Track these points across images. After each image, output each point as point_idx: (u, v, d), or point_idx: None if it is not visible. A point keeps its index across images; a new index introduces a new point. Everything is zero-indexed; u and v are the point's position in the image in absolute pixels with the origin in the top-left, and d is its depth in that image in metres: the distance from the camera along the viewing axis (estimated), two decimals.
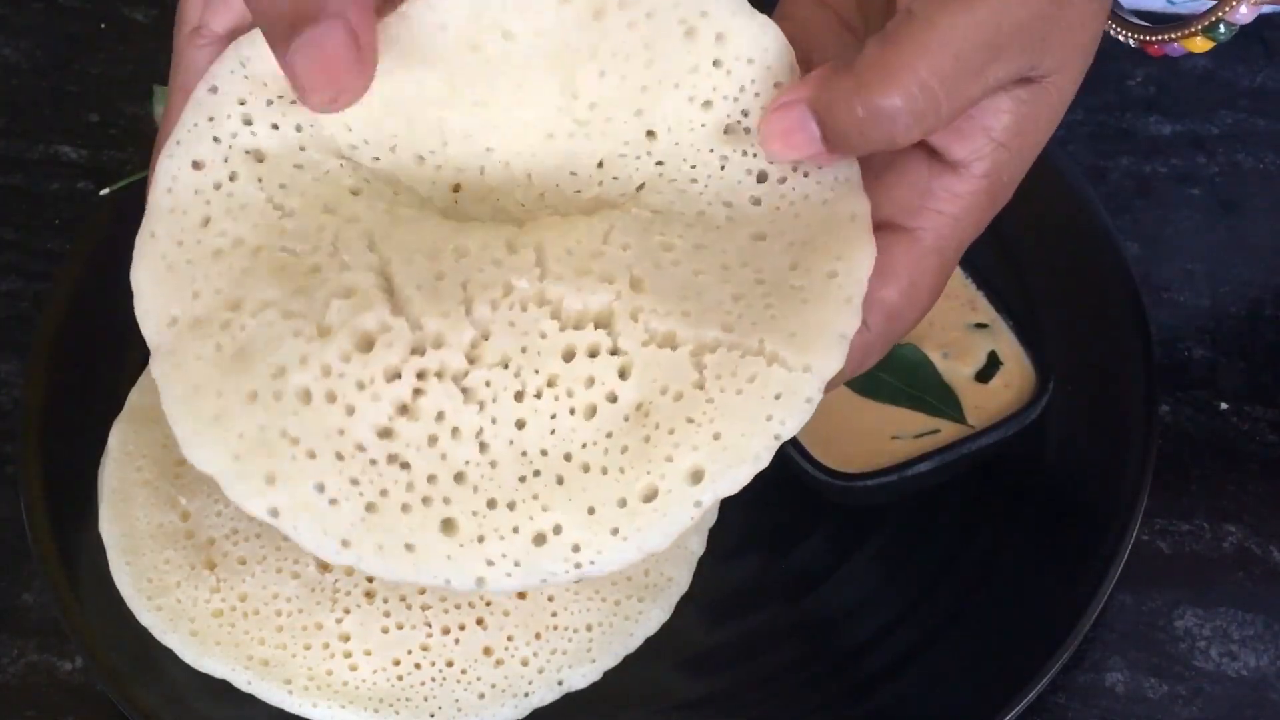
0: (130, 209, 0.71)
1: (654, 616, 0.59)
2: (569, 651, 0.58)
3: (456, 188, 0.49)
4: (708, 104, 0.47)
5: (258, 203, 0.47)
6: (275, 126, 0.47)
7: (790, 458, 0.59)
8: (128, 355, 0.66)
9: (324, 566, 0.59)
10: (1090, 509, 0.60)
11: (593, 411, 0.45)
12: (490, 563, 0.45)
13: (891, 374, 0.61)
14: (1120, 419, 0.62)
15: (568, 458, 0.45)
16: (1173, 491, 0.64)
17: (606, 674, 0.58)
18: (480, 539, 0.45)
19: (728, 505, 0.61)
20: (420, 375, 0.45)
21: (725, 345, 0.45)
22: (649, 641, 0.59)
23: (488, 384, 0.45)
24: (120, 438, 0.62)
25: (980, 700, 0.56)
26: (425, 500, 0.45)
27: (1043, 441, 0.62)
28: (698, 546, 0.60)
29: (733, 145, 0.48)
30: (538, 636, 0.58)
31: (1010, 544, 0.60)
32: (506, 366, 0.45)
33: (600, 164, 0.48)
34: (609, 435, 0.45)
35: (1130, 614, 0.61)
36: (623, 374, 0.45)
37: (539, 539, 0.45)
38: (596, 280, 0.46)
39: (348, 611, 0.58)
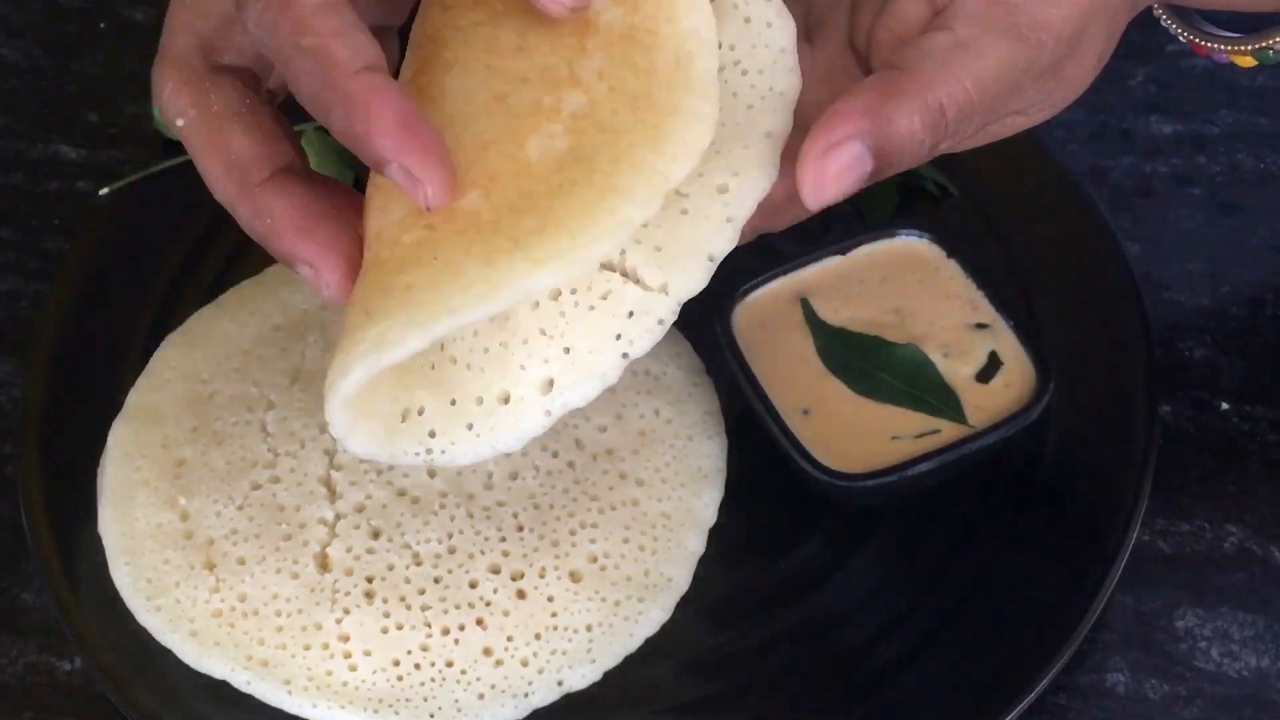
0: (130, 209, 0.71)
1: (654, 616, 0.59)
2: (569, 652, 0.58)
3: None
4: None
5: None
6: None
7: (790, 458, 0.59)
8: (128, 355, 0.66)
9: (324, 566, 0.58)
10: (1090, 509, 0.60)
11: None
12: None
13: (891, 374, 0.61)
14: (1120, 419, 0.62)
15: (439, 346, 0.46)
16: (1173, 491, 0.64)
17: (606, 674, 0.58)
18: None
19: (728, 505, 0.62)
20: None
21: None
22: (649, 641, 0.58)
23: None
24: (120, 438, 0.62)
25: (981, 700, 0.56)
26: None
27: (1043, 441, 0.62)
28: (697, 546, 0.60)
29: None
30: (537, 637, 0.58)
31: (1010, 544, 0.60)
32: None
33: None
34: (474, 334, 0.45)
35: (1131, 614, 0.61)
36: None
37: (405, 415, 0.46)
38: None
39: (347, 612, 0.58)
